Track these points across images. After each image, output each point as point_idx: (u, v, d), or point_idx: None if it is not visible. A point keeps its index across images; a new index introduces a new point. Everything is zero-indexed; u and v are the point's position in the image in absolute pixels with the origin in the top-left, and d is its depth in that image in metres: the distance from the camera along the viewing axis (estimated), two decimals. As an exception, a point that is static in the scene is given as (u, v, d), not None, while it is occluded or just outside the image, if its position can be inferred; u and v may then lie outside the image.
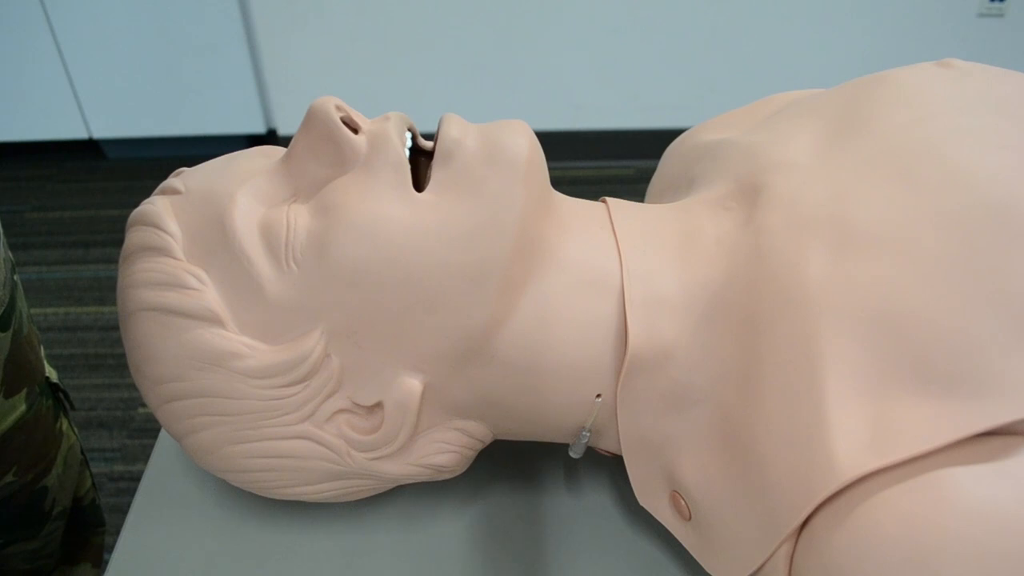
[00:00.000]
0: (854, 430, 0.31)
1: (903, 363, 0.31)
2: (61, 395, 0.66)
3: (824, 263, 0.34)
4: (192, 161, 2.20)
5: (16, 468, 0.59)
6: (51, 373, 0.65)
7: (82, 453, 0.70)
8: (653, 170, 2.15)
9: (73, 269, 1.86)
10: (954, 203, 0.33)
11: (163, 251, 0.39)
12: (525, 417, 0.41)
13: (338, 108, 0.38)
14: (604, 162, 2.19)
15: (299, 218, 0.38)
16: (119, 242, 1.93)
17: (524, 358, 0.39)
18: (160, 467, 0.51)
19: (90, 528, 0.73)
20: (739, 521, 0.35)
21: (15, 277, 0.57)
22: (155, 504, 0.48)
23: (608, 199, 0.43)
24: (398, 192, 0.37)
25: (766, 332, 0.35)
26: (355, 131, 0.39)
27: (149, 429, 1.49)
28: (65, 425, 0.66)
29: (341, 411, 0.39)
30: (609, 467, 0.50)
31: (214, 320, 0.38)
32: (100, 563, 0.75)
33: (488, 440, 0.43)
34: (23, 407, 0.58)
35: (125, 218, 2.01)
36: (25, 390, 0.58)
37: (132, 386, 1.56)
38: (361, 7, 1.91)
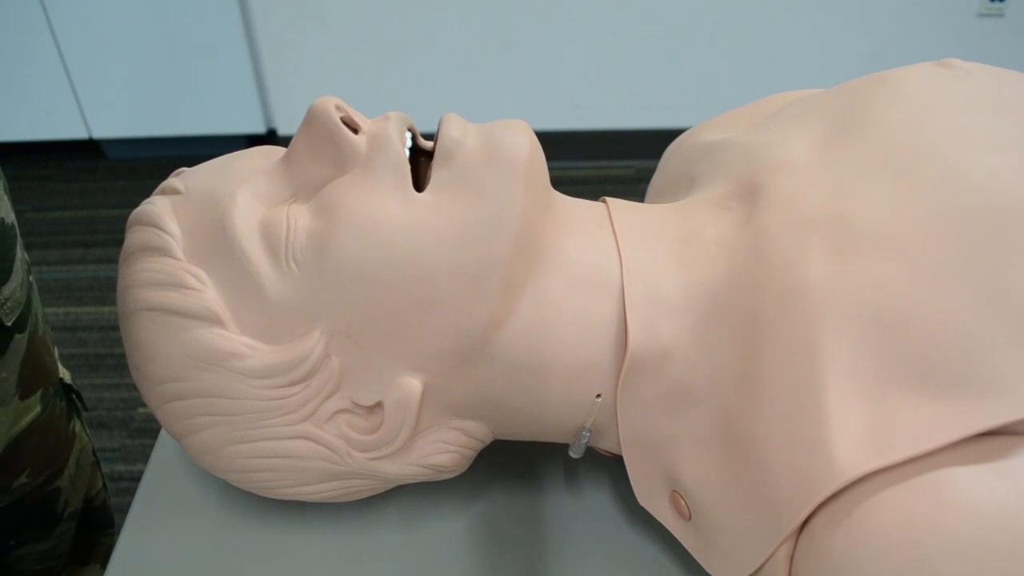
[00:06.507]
0: (854, 430, 0.31)
1: (903, 363, 0.31)
2: (74, 396, 0.66)
3: (824, 263, 0.34)
4: (192, 161, 2.20)
5: (30, 470, 0.59)
6: (64, 374, 0.64)
7: (94, 454, 0.70)
8: (653, 170, 2.15)
9: (73, 269, 1.86)
10: (954, 203, 0.33)
11: (163, 251, 0.39)
12: (525, 417, 0.41)
13: (338, 108, 0.38)
14: (604, 162, 2.19)
15: (299, 218, 0.38)
16: (119, 242, 1.93)
17: (524, 358, 0.39)
18: (160, 467, 0.51)
19: (100, 529, 0.73)
20: (739, 521, 0.35)
21: (30, 278, 0.57)
22: (155, 504, 0.48)
23: (608, 199, 0.43)
24: (398, 192, 0.37)
25: (766, 332, 0.35)
26: (355, 131, 0.39)
27: (149, 429, 1.49)
28: (78, 426, 0.66)
29: (341, 411, 0.39)
30: (609, 467, 0.50)
31: (214, 320, 0.38)
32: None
33: (488, 440, 0.43)
34: (38, 408, 0.58)
35: (125, 218, 2.01)
36: (40, 391, 0.58)
37: (132, 386, 1.56)
38: (361, 7, 1.91)
